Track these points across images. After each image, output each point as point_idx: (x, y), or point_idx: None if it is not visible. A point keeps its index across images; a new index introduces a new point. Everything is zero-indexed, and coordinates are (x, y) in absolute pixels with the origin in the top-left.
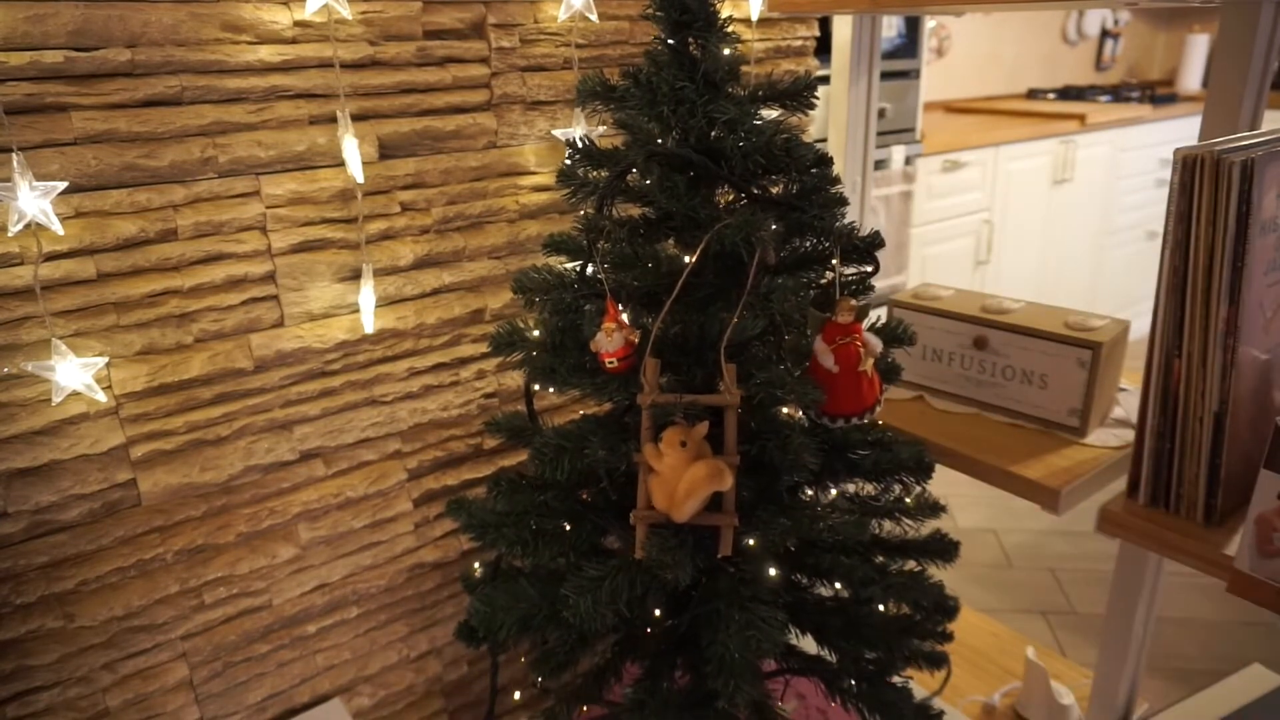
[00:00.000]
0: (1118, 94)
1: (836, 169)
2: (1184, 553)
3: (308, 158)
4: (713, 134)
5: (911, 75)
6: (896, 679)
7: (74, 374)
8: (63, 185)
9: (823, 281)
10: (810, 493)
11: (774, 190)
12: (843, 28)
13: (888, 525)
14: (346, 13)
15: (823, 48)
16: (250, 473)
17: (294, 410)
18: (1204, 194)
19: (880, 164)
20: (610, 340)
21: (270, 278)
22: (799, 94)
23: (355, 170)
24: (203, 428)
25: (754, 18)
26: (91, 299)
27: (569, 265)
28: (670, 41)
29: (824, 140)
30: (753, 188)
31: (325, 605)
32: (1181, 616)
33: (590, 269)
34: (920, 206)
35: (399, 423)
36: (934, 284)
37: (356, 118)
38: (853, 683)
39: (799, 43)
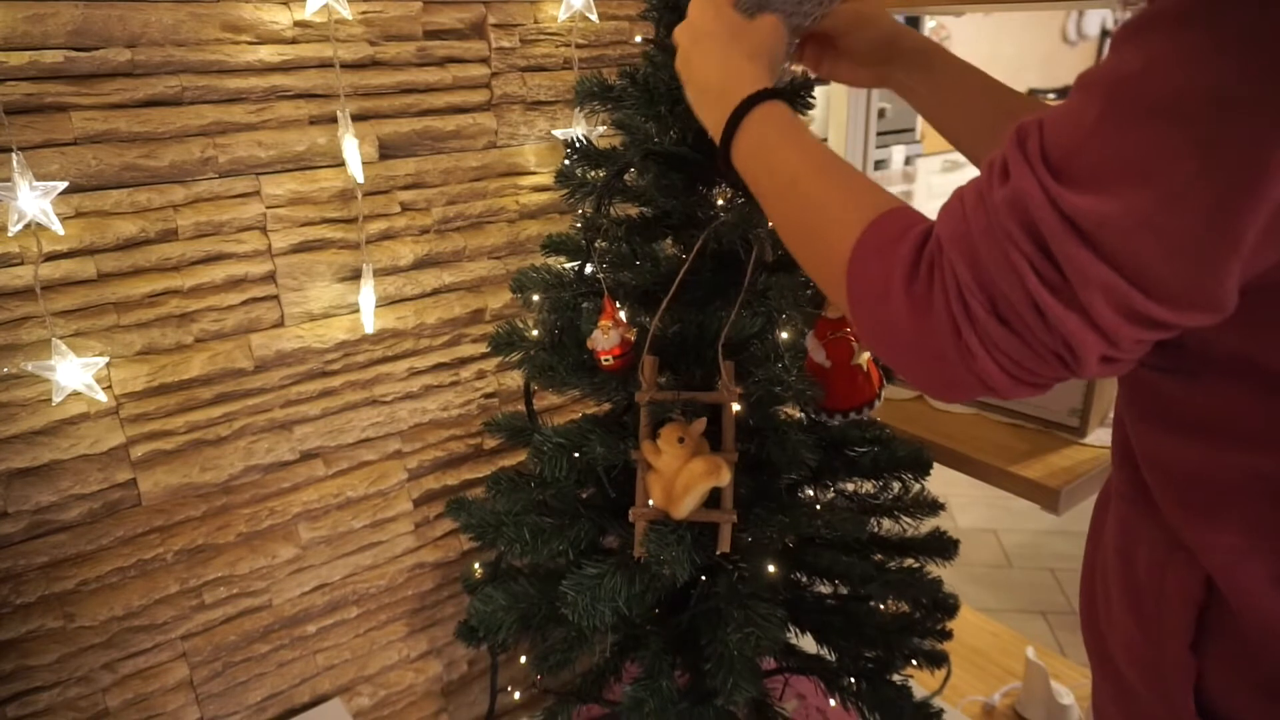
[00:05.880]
0: None
1: None
2: None
3: (308, 158)
4: None
5: None
6: (896, 678)
7: (74, 374)
8: (63, 185)
9: None
10: (809, 490)
11: None
12: None
13: (886, 523)
14: (346, 13)
15: None
16: (250, 473)
17: (294, 410)
18: None
19: (880, 164)
20: (606, 338)
21: (270, 278)
22: (796, 94)
23: (355, 170)
24: (203, 428)
25: None
26: (91, 299)
27: (568, 265)
28: (667, 41)
29: (824, 140)
30: None
31: (325, 605)
32: None
33: (589, 268)
34: (920, 206)
35: (399, 423)
36: None
37: (356, 118)
38: (852, 681)
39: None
